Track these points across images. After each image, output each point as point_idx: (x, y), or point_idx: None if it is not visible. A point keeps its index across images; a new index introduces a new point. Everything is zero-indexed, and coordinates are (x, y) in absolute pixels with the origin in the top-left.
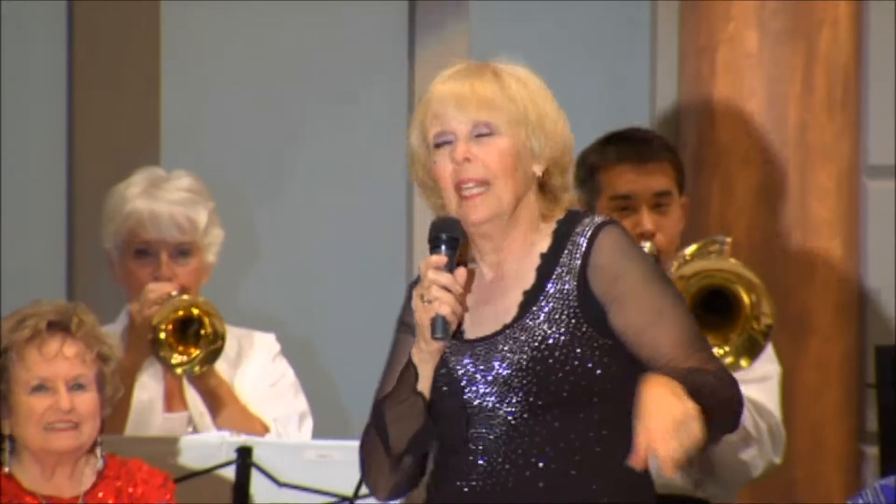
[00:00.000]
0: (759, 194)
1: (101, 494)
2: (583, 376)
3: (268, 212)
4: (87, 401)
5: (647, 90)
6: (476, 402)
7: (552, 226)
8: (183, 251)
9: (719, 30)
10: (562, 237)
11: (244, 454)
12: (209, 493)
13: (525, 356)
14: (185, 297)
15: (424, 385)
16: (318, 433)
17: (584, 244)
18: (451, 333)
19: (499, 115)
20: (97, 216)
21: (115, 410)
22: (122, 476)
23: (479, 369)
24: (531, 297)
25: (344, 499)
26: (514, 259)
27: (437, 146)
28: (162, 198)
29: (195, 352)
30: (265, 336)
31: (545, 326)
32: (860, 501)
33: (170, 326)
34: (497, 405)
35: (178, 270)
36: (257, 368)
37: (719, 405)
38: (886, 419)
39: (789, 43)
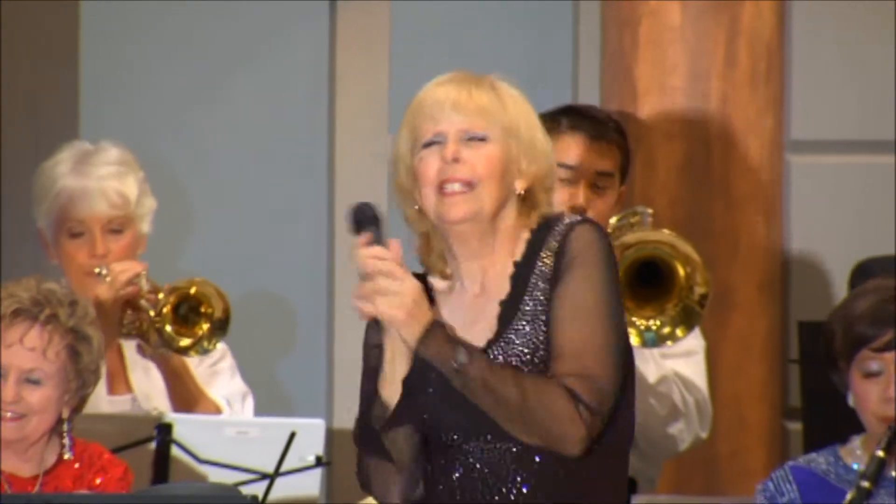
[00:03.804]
0: (681, 169)
1: (61, 476)
2: None
3: (188, 181)
4: (38, 395)
5: (569, 64)
6: (462, 422)
7: (526, 235)
8: (116, 227)
9: (642, 3)
10: (535, 244)
11: (164, 430)
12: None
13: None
14: (167, 286)
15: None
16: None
17: (560, 239)
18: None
19: (493, 124)
20: (21, 188)
21: None
22: (85, 461)
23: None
24: (509, 308)
25: (265, 476)
26: (494, 272)
27: (426, 146)
28: (91, 174)
29: (200, 330)
30: None
31: (533, 338)
32: (769, 484)
33: (170, 315)
34: (483, 421)
35: (111, 246)
36: None
37: (517, 402)
38: (810, 395)
39: (712, 17)
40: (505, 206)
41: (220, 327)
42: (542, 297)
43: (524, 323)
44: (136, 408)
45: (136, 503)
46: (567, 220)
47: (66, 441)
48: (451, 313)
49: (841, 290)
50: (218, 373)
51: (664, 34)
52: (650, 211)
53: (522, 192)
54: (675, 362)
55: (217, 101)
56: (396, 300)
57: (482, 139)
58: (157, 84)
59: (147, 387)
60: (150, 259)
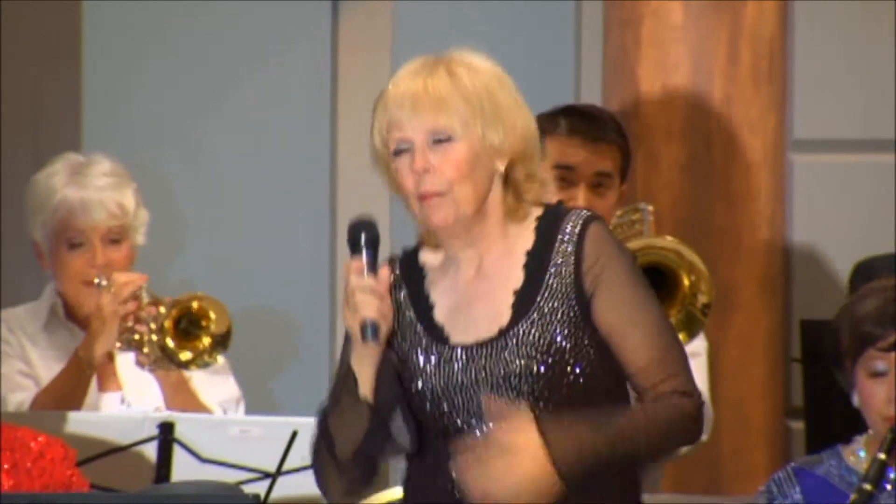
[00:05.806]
0: (684, 168)
1: None
2: (591, 376)
3: (191, 186)
4: None
5: (572, 63)
6: (475, 407)
7: (532, 222)
8: (114, 237)
9: (643, 2)
10: (546, 234)
11: (166, 430)
12: (132, 469)
13: (535, 362)
14: (167, 298)
15: (366, 389)
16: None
17: (576, 240)
18: (382, 336)
19: (454, 118)
20: (22, 193)
21: (70, 401)
22: (17, 448)
23: (479, 376)
24: (524, 298)
25: (267, 475)
26: (494, 256)
27: (397, 153)
28: (89, 184)
29: (201, 344)
30: None
31: (550, 329)
32: (772, 486)
33: (171, 330)
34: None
35: (111, 256)
36: None
37: (648, 443)
38: (812, 394)
39: (714, 15)
40: (490, 190)
41: (222, 342)
42: (564, 295)
43: (540, 316)
44: (126, 404)
45: (138, 503)
46: (574, 217)
47: None
48: (443, 293)
49: (843, 289)
50: (212, 376)
51: (666, 33)
52: (651, 208)
53: (503, 169)
54: None
55: (219, 103)
56: (516, 471)
57: (447, 139)
58: (160, 87)
59: (137, 383)
60: (150, 263)
